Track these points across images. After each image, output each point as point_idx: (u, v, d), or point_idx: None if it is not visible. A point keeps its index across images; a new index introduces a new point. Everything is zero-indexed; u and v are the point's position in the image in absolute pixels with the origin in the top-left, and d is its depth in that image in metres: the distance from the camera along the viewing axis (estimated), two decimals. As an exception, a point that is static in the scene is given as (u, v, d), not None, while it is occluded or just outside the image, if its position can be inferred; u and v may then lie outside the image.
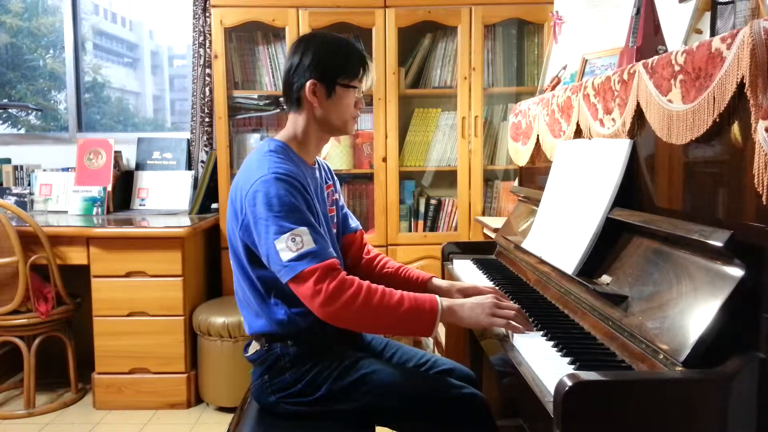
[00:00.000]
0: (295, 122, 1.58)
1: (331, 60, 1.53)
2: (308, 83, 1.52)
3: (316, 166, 1.66)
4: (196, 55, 3.34)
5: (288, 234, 1.38)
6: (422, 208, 3.30)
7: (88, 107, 3.83)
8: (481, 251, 2.34)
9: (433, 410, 1.48)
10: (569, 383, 0.95)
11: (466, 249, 2.36)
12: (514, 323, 1.40)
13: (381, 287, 1.41)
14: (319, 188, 1.63)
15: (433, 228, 3.28)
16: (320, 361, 1.50)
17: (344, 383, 1.48)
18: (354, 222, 1.82)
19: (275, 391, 1.51)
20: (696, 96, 1.17)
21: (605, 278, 1.41)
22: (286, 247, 1.38)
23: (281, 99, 3.21)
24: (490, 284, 1.88)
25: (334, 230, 1.69)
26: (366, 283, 1.41)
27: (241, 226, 1.47)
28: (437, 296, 1.44)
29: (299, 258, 1.37)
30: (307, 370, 1.49)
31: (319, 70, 1.52)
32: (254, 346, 1.57)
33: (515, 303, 1.64)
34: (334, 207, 1.72)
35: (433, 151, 3.28)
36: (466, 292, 1.62)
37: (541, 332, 1.39)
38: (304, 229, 1.39)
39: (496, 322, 1.41)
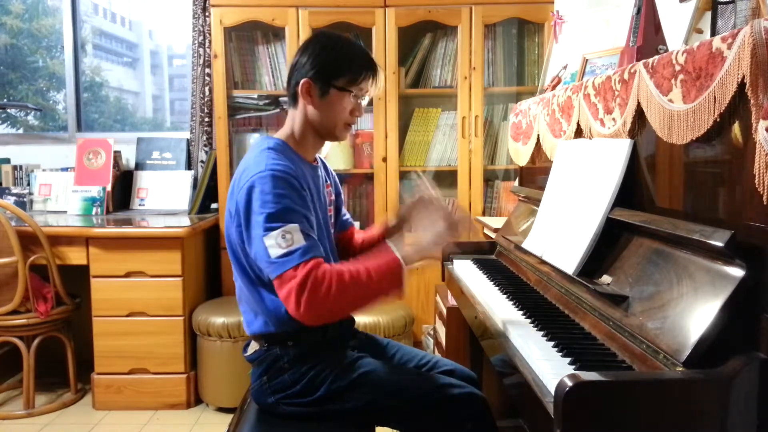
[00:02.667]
0: (292, 119, 1.57)
1: (329, 60, 1.50)
2: (303, 81, 1.50)
3: (318, 164, 1.66)
4: (195, 54, 3.34)
5: (279, 231, 1.35)
6: (422, 208, 3.29)
7: (86, 106, 3.83)
8: (481, 251, 2.34)
9: (433, 410, 1.48)
10: (570, 383, 0.95)
11: (466, 249, 2.35)
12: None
13: (344, 271, 1.36)
14: (321, 186, 1.62)
15: (433, 228, 3.27)
16: (319, 362, 1.49)
17: (344, 383, 1.48)
18: (347, 217, 1.83)
19: (274, 392, 1.50)
20: (696, 96, 1.16)
21: (606, 278, 1.41)
22: (275, 244, 1.35)
23: (281, 99, 3.21)
24: (490, 284, 1.87)
25: (332, 230, 1.68)
26: (334, 274, 1.35)
27: (238, 222, 1.45)
28: (394, 250, 1.42)
29: (287, 254, 1.34)
30: (306, 370, 1.49)
31: (315, 70, 1.50)
32: (253, 346, 1.56)
33: (515, 303, 1.64)
34: (332, 207, 1.71)
35: (433, 151, 3.28)
36: (410, 217, 1.65)
37: (542, 332, 1.39)
38: (295, 226, 1.37)
39: (454, 238, 1.49)
